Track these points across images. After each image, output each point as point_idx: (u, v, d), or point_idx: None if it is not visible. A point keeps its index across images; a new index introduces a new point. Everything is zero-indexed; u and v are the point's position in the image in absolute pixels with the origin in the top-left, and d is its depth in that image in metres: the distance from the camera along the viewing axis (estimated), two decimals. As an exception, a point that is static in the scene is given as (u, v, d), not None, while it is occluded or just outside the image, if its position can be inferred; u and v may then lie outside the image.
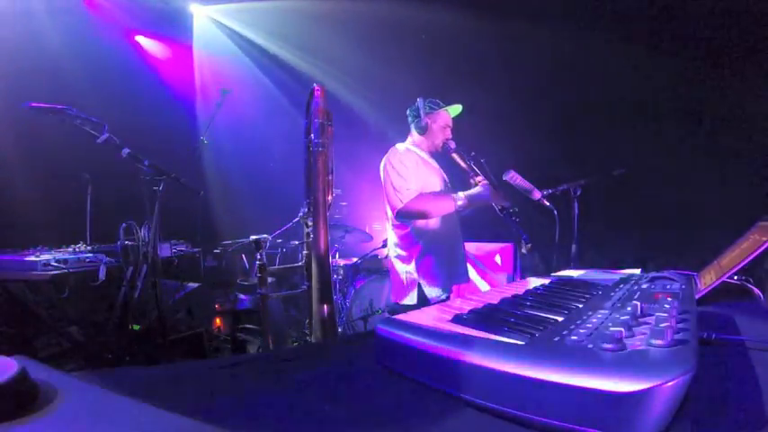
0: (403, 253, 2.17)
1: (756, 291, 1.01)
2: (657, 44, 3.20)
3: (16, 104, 2.12)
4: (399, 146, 2.26)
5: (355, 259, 3.85)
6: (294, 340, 3.40)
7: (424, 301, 2.07)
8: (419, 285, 2.11)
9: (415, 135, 2.31)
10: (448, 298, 2.13)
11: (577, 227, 2.39)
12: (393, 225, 2.21)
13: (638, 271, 1.17)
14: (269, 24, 4.82)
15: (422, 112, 2.23)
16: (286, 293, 1.99)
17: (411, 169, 2.13)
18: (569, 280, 1.01)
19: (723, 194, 2.83)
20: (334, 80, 4.52)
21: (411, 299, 2.11)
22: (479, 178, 2.10)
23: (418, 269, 2.12)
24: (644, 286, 0.82)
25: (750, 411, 0.42)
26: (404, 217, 2.11)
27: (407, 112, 2.33)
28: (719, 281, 0.84)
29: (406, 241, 2.16)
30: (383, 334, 0.56)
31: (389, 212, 2.17)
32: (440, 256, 2.15)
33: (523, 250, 2.00)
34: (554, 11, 3.42)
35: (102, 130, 2.27)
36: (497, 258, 3.44)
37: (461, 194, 2.10)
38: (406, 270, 2.15)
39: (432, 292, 2.10)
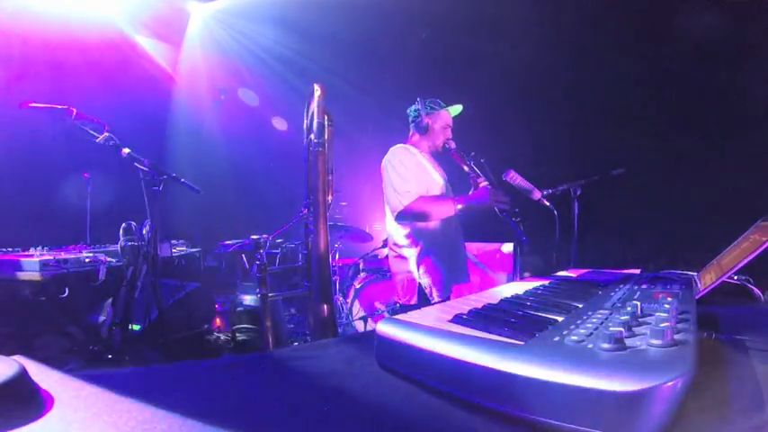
0: (404, 253, 2.17)
1: (756, 291, 1.01)
2: (657, 44, 3.20)
3: (16, 104, 2.12)
4: (400, 146, 2.25)
5: (355, 259, 3.85)
6: (294, 340, 3.40)
7: (425, 301, 2.07)
8: (419, 285, 2.11)
9: (415, 135, 2.31)
10: (449, 298, 2.13)
11: (577, 227, 2.39)
12: (393, 225, 2.21)
13: (638, 271, 1.17)
14: (268, 22, 4.82)
15: (422, 113, 2.23)
16: (286, 293, 1.99)
17: (412, 170, 2.12)
18: (569, 280, 1.01)
19: (723, 194, 2.83)
20: (335, 79, 4.52)
21: (412, 299, 2.11)
22: (480, 180, 2.10)
23: (419, 269, 2.12)
24: (644, 286, 0.82)
25: (750, 411, 0.42)
26: (403, 218, 2.11)
27: (408, 111, 2.32)
28: (719, 281, 0.84)
29: (407, 241, 2.16)
30: (383, 334, 0.56)
31: (389, 213, 2.17)
32: (440, 256, 2.15)
33: (523, 239, 2.00)
34: (555, 12, 3.42)
35: (102, 130, 2.27)
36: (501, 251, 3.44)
37: (461, 198, 2.10)
38: (406, 270, 2.15)
39: (433, 292, 2.10)
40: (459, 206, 2.06)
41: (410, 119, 2.31)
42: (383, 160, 2.21)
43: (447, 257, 2.17)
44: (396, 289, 2.22)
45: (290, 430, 0.40)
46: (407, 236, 2.16)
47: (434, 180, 2.21)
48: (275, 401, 0.46)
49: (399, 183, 2.08)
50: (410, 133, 2.34)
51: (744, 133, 2.92)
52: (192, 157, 4.65)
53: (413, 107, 2.29)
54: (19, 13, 3.36)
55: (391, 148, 2.24)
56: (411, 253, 2.15)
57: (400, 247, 2.19)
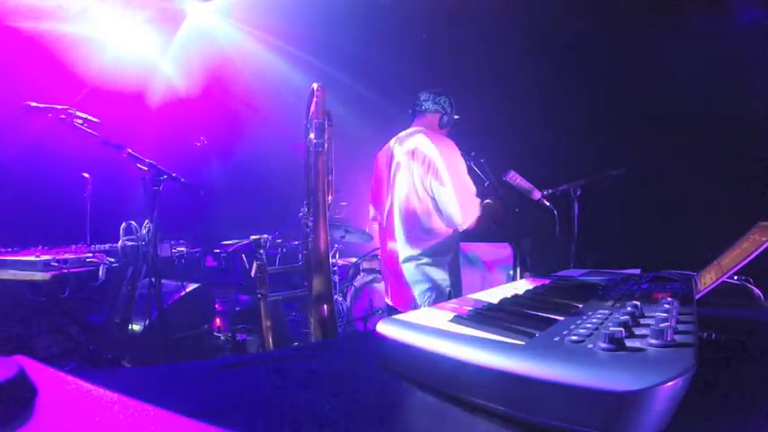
0: (435, 261, 1.98)
1: (756, 291, 1.01)
2: (657, 44, 3.21)
3: (16, 104, 2.12)
4: (448, 139, 2.01)
5: (355, 259, 3.85)
6: (294, 340, 3.40)
7: None
8: (449, 293, 1.97)
9: (435, 127, 2.09)
10: None
11: (577, 227, 2.38)
12: (430, 230, 1.96)
13: (638, 271, 1.17)
14: (268, 22, 4.82)
15: (453, 109, 2.13)
16: (286, 293, 1.98)
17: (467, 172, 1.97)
18: (569, 280, 1.01)
19: (723, 194, 2.82)
20: (335, 80, 4.53)
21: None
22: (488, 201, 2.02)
23: (451, 276, 1.99)
24: (644, 286, 0.82)
25: (750, 411, 0.42)
26: (467, 228, 1.90)
27: (430, 97, 2.11)
28: (719, 281, 0.84)
29: (443, 248, 1.98)
30: (383, 334, 0.56)
31: (457, 214, 1.86)
32: (459, 259, 2.09)
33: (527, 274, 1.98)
34: (554, 11, 3.42)
35: (102, 131, 2.28)
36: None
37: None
38: (437, 279, 1.97)
39: (457, 296, 2.02)
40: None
41: (435, 107, 2.09)
42: (432, 148, 1.90)
43: (460, 261, 2.13)
44: (416, 298, 1.98)
45: (290, 430, 0.40)
46: (444, 242, 1.98)
47: None
48: (275, 401, 0.46)
49: (472, 186, 1.91)
50: (426, 122, 2.10)
51: (744, 134, 2.92)
52: (192, 158, 4.65)
53: (440, 98, 2.11)
54: (17, 13, 3.36)
55: (438, 138, 1.97)
56: (445, 259, 1.99)
57: (434, 254, 1.98)
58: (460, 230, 1.93)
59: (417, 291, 1.98)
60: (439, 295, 1.97)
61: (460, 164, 1.93)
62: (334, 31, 4.36)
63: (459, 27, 3.93)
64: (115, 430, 0.31)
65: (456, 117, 2.19)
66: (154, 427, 0.31)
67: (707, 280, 0.90)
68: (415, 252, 1.99)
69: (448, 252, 2.00)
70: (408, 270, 2.00)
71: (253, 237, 2.03)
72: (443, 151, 1.90)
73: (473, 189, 1.92)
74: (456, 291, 2.03)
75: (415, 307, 1.96)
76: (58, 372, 0.37)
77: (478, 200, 1.92)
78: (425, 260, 1.98)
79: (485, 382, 0.42)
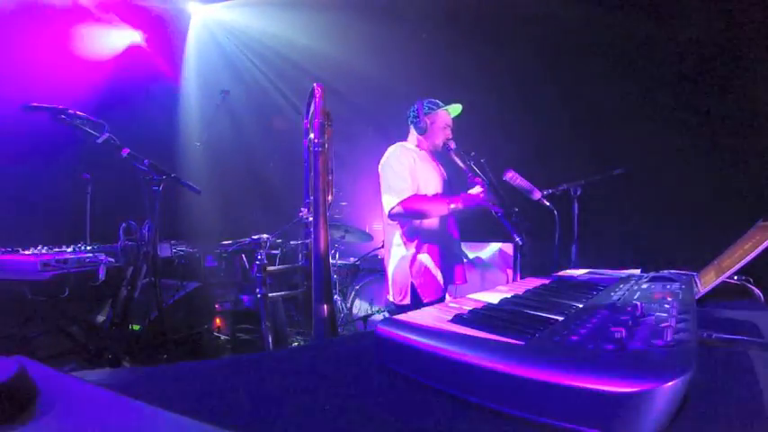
0: (397, 252, 2.16)
1: (756, 291, 1.01)
2: (657, 44, 3.20)
3: (16, 104, 2.12)
4: (398, 144, 2.25)
5: (355, 259, 3.85)
6: (294, 340, 3.40)
7: (417, 302, 2.06)
8: (412, 285, 2.09)
9: (414, 135, 2.32)
10: (443, 299, 2.12)
11: (577, 227, 2.38)
12: (388, 224, 2.20)
13: (638, 271, 1.17)
14: (268, 23, 4.82)
15: (421, 113, 2.23)
16: (286, 293, 1.99)
17: (408, 168, 2.12)
18: (569, 280, 1.01)
19: (723, 194, 2.82)
20: (334, 79, 4.52)
21: (405, 299, 2.10)
22: (476, 179, 2.10)
23: (412, 269, 2.10)
24: (644, 286, 0.82)
25: (750, 411, 0.42)
26: (396, 216, 2.10)
27: (408, 112, 2.33)
28: (719, 281, 0.84)
29: (401, 240, 2.15)
30: (383, 334, 0.56)
31: (385, 211, 2.17)
32: (434, 255, 2.13)
33: (518, 240, 1.99)
34: (553, 10, 3.42)
35: (102, 130, 2.27)
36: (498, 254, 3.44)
37: (456, 197, 2.10)
38: (400, 270, 2.13)
39: (425, 292, 2.08)
40: (453, 206, 2.05)
41: (409, 119, 2.31)
42: (381, 159, 2.21)
43: (440, 258, 2.16)
44: (389, 288, 2.21)
45: (290, 430, 0.40)
46: (402, 235, 2.16)
47: (433, 179, 2.21)
48: (275, 401, 0.46)
49: (395, 180, 2.08)
50: (409, 133, 2.34)
51: (744, 133, 2.92)
52: (192, 157, 4.65)
53: (412, 107, 2.29)
54: (19, 13, 3.35)
55: (389, 147, 2.24)
56: (405, 252, 2.14)
57: (394, 246, 2.18)
58: (389, 218, 2.11)
59: (391, 284, 2.21)
60: (398, 288, 2.12)
61: (393, 161, 2.14)
62: (335, 31, 4.35)
63: (459, 27, 3.93)
64: (115, 430, 0.31)
65: (453, 107, 2.31)
66: (154, 427, 0.31)
67: (707, 280, 0.90)
68: (385, 246, 2.27)
69: (402, 246, 2.15)
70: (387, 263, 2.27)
71: (253, 237, 2.04)
72: (384, 157, 2.21)
73: (395, 183, 2.07)
74: (426, 289, 2.08)
75: (395, 299, 2.17)
76: (57, 372, 0.37)
77: (400, 192, 2.05)
78: (387, 253, 2.23)
79: (485, 383, 0.42)
